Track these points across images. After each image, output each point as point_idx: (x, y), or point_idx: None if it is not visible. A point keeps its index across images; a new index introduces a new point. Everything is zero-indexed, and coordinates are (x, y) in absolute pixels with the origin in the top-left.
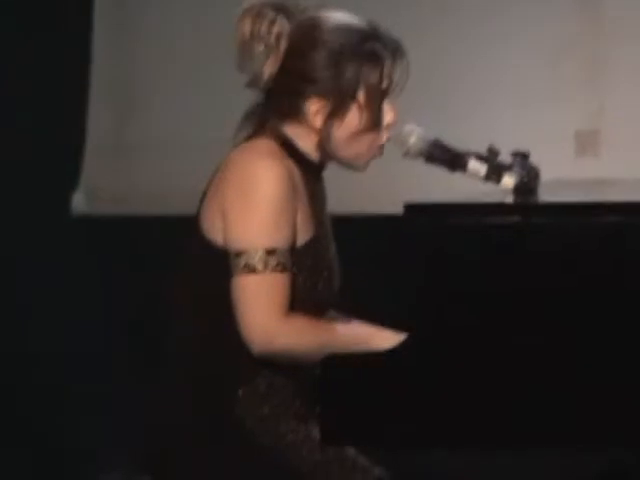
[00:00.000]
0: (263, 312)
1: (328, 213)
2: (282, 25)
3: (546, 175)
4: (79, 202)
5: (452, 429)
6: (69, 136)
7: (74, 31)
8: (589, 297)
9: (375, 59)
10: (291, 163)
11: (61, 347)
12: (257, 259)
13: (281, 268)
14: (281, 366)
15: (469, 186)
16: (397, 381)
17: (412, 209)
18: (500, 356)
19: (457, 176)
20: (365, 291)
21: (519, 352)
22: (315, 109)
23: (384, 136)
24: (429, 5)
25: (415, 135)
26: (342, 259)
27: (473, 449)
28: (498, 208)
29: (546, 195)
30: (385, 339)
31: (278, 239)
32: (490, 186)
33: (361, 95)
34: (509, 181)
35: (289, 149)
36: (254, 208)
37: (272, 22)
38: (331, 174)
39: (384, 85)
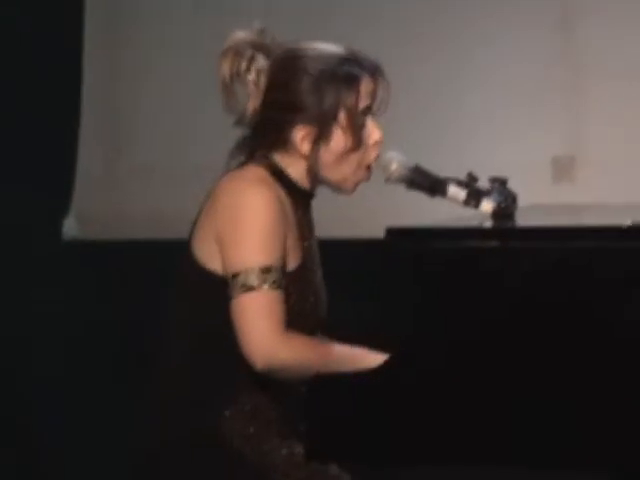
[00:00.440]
0: (263, 328)
1: (316, 240)
2: (261, 62)
3: (523, 200)
4: (70, 227)
5: (434, 446)
6: (60, 163)
7: (65, 62)
8: (565, 319)
9: (352, 81)
10: (281, 191)
11: (55, 368)
12: (253, 277)
13: (277, 285)
14: (267, 385)
15: (449, 211)
16: (380, 399)
17: (394, 233)
18: (480, 376)
19: (437, 201)
20: (349, 314)
21: (498, 372)
22: (301, 136)
23: (372, 154)
24: (411, 35)
25: (396, 162)
26: (326, 282)
27: (455, 466)
28: (477, 232)
29: (523, 220)
30: (374, 361)
31: (272, 258)
32: (469, 211)
33: (342, 117)
34: (487, 206)
35: (279, 177)
36: (247, 232)
37: (251, 60)
38: (315, 200)
39: (364, 105)
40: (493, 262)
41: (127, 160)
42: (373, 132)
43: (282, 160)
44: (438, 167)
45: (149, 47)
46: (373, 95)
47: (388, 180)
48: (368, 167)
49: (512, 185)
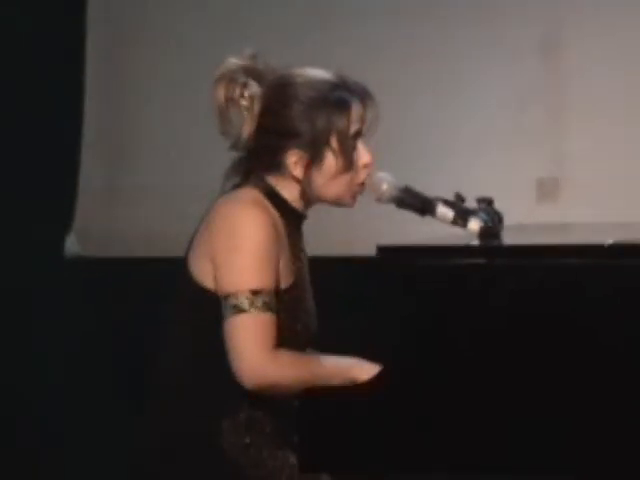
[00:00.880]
0: (252, 349)
1: (307, 259)
2: (254, 88)
3: (509, 220)
4: (72, 244)
5: (424, 456)
6: (62, 181)
7: (67, 79)
8: (550, 334)
9: (343, 106)
10: (275, 212)
11: (55, 383)
12: (244, 299)
13: (267, 308)
14: (261, 399)
15: (438, 230)
16: (370, 412)
17: (385, 251)
18: (468, 388)
19: (427, 220)
20: (340, 330)
21: (486, 384)
22: (294, 160)
23: (362, 175)
24: (398, 58)
25: (387, 182)
26: (317, 299)
27: (445, 475)
28: (465, 250)
29: (509, 238)
30: (364, 370)
31: (263, 281)
32: (457, 230)
33: (334, 141)
34: (475, 225)
35: (273, 199)
36: (240, 253)
37: (244, 86)
38: (308, 219)
39: (354, 129)
40: (480, 279)
41: (128, 179)
42: (363, 155)
43: (276, 182)
44: (426, 188)
45: (153, 64)
46: (363, 119)
47: (379, 200)
48: (361, 184)
49: (498, 205)
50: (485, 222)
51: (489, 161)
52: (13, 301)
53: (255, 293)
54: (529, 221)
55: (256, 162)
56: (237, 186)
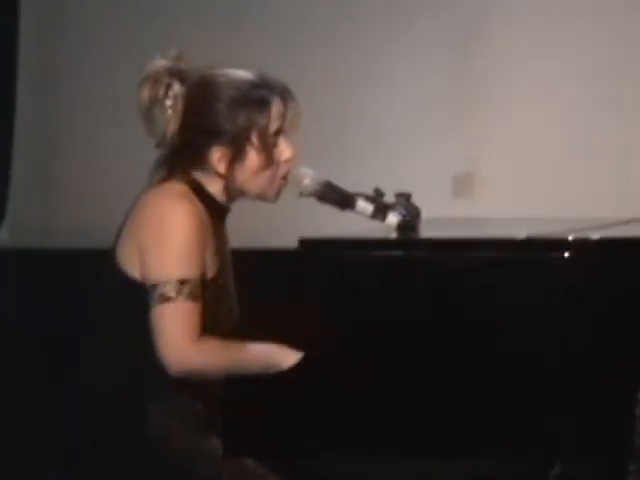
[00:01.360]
0: (178, 337)
1: (230, 251)
2: (177, 88)
3: (426, 214)
4: (4, 236)
5: (348, 439)
6: None
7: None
8: (465, 322)
9: (263, 104)
10: (200, 205)
11: None
12: (170, 288)
13: (193, 297)
14: (186, 385)
15: (357, 223)
16: (293, 397)
17: (306, 244)
18: (385, 374)
19: (347, 214)
20: (262, 320)
21: (400, 368)
22: (217, 157)
23: (284, 169)
24: (310, 53)
25: (308, 177)
26: (240, 290)
27: (365, 456)
28: (383, 243)
29: (426, 232)
30: (285, 355)
31: (190, 271)
32: (376, 223)
33: (255, 138)
34: (393, 219)
35: (199, 193)
36: (167, 244)
37: (168, 86)
38: (232, 213)
39: (275, 126)
40: (398, 270)
41: (58, 171)
42: (285, 150)
43: (201, 178)
44: (347, 183)
45: (83, 58)
46: (284, 116)
47: (301, 194)
48: (283, 178)
49: (415, 200)
50: (403, 216)
51: (407, 157)
52: None
53: (182, 282)
54: (445, 215)
55: (181, 158)
56: (163, 180)
